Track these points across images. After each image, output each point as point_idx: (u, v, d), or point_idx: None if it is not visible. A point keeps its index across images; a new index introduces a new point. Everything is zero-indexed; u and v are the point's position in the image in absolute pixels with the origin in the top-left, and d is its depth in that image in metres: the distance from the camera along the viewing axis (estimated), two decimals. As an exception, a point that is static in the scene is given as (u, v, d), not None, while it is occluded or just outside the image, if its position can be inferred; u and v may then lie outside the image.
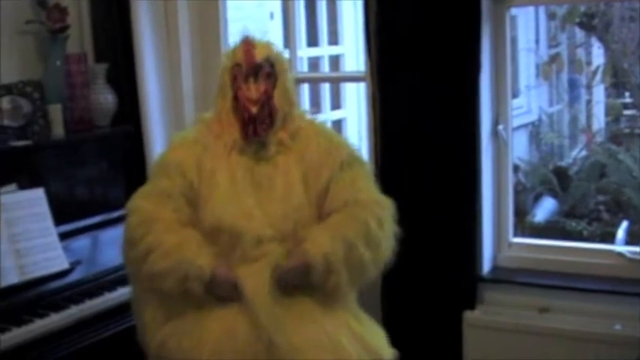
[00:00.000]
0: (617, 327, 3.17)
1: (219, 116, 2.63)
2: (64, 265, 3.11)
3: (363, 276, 2.58)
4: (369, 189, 2.66)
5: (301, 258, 2.49)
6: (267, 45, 2.64)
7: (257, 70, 2.56)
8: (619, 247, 3.45)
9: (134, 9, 3.67)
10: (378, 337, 2.64)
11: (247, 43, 2.60)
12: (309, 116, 2.80)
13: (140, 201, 2.64)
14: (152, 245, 2.51)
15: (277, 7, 5.98)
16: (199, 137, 2.66)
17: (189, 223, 2.57)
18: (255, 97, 2.54)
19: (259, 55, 2.58)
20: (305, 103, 4.26)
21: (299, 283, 2.50)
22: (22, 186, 3.18)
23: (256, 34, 2.67)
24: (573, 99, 9.01)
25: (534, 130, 8.45)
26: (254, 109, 2.52)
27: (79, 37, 3.84)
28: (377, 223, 2.57)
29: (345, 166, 2.64)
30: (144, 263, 2.51)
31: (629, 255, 3.33)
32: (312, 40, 7.27)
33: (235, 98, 2.57)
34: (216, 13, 3.96)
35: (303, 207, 2.58)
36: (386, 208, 2.63)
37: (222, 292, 2.49)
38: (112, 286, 3.17)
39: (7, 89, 3.35)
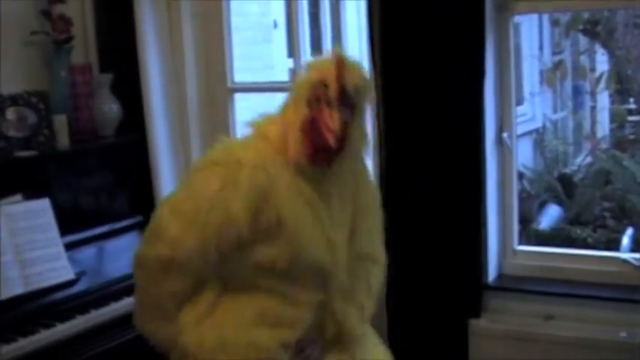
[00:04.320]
0: (623, 334, 3.16)
1: (286, 132, 2.27)
2: (70, 275, 3.12)
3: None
4: (380, 244, 2.60)
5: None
6: (360, 70, 2.29)
7: (344, 98, 2.21)
8: (624, 254, 3.44)
9: (138, 19, 3.68)
10: None
11: (342, 65, 2.21)
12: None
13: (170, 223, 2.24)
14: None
15: (281, 16, 5.99)
16: (262, 161, 2.25)
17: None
18: (336, 129, 2.19)
19: (351, 82, 2.22)
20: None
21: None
22: (28, 196, 3.18)
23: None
24: (577, 106, 9.02)
25: (539, 138, 8.45)
26: (332, 141, 2.19)
27: (84, 47, 3.84)
28: (378, 283, 2.58)
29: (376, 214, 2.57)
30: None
31: (634, 262, 3.32)
32: (316, 46, 7.27)
33: (311, 120, 2.23)
34: (221, 22, 3.96)
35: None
36: (383, 265, 2.60)
37: None
38: (117, 296, 3.17)
39: (13, 100, 3.36)
